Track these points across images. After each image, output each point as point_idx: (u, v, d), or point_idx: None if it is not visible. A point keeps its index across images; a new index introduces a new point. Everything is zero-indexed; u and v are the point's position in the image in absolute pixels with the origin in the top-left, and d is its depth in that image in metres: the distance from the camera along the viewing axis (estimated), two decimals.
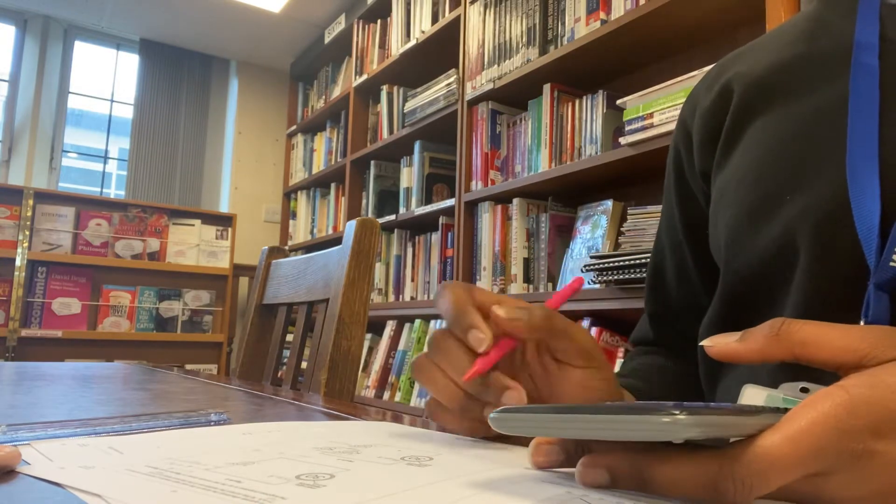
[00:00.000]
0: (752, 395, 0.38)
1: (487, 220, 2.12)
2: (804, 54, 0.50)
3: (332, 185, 3.37)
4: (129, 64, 3.86)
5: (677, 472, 0.26)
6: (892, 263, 0.38)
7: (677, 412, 0.23)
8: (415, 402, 2.25)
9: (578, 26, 1.85)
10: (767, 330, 0.30)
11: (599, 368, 0.42)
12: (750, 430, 0.25)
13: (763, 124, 0.50)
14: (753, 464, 0.24)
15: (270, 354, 1.18)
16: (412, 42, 2.61)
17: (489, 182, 2.15)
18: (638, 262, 1.52)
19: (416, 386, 2.28)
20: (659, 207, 1.63)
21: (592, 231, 1.84)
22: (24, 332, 2.89)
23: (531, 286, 1.97)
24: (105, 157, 3.88)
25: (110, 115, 3.85)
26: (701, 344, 0.32)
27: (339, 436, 0.42)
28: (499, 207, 2.09)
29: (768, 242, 0.46)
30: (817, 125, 0.46)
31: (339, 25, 3.38)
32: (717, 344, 0.31)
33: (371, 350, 2.65)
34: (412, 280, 2.56)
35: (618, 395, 0.44)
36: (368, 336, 2.66)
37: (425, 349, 0.43)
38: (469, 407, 0.41)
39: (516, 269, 2.00)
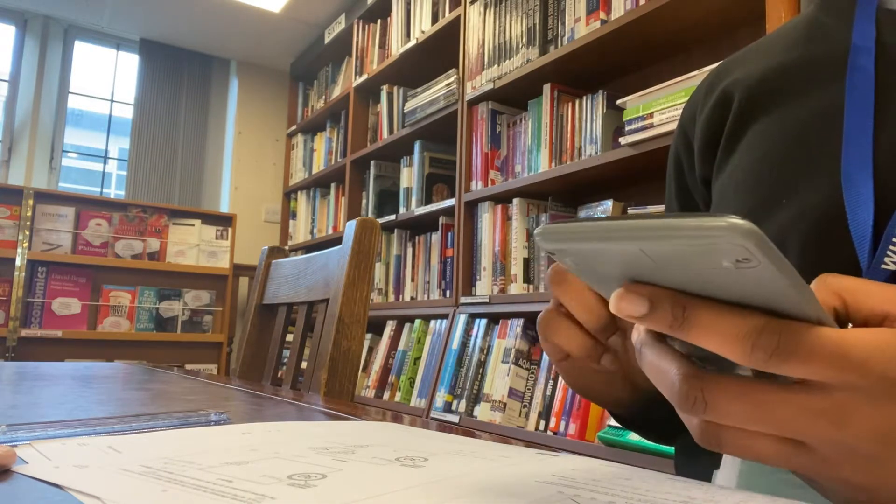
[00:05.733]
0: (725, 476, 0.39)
1: (487, 220, 2.12)
2: (802, 58, 0.51)
3: (332, 185, 3.37)
4: (129, 64, 3.86)
5: (721, 316, 0.25)
6: (884, 266, 0.38)
7: (736, 217, 0.21)
8: (414, 402, 2.25)
9: (578, 26, 1.85)
10: (816, 284, 0.29)
11: None
12: (806, 307, 0.24)
13: (761, 128, 0.51)
14: (802, 334, 0.24)
15: (270, 354, 1.18)
16: (412, 42, 2.61)
17: (489, 182, 2.15)
18: None
19: (416, 386, 2.28)
20: (659, 208, 1.63)
21: None
22: (24, 332, 2.89)
23: (531, 286, 1.97)
24: (105, 157, 3.88)
25: (110, 115, 3.85)
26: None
27: (337, 436, 0.42)
28: (499, 207, 2.09)
29: None
30: (813, 129, 0.46)
31: (339, 25, 3.38)
32: None
33: (371, 350, 2.65)
34: (412, 280, 2.56)
35: None
36: (368, 336, 2.66)
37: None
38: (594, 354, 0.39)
39: (516, 269, 2.00)
